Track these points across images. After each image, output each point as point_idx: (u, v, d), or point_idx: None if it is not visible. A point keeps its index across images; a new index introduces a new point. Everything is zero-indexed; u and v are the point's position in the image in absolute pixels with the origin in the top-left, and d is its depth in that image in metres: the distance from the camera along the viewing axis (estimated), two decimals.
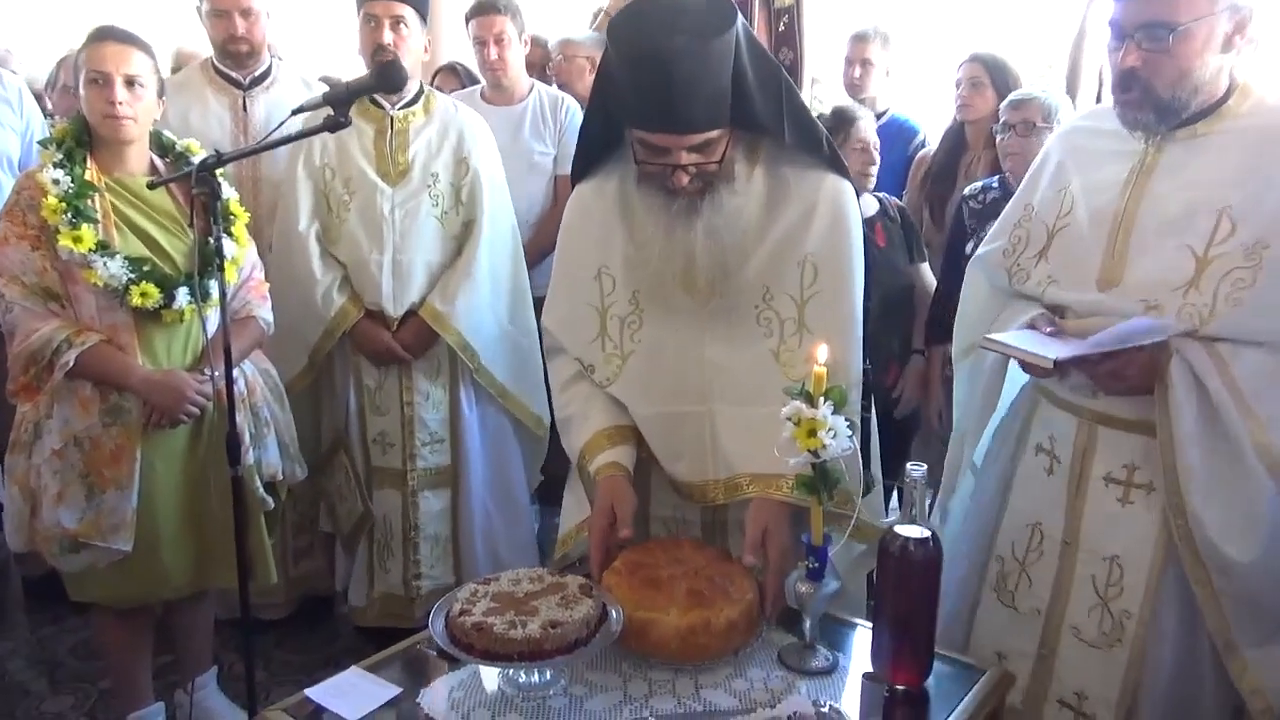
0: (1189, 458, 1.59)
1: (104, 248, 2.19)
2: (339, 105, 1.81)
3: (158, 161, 2.40)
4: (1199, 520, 1.59)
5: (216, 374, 2.25)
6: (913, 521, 1.42)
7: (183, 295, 2.26)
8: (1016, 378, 1.96)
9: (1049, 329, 1.73)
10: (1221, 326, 1.57)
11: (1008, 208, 1.99)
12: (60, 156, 2.23)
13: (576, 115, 3.37)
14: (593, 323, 1.84)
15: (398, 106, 2.78)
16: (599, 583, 1.58)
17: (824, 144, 1.76)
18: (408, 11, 2.69)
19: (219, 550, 2.39)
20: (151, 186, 2.23)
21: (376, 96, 2.75)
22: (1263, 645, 1.62)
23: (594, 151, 1.84)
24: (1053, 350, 1.62)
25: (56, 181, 2.19)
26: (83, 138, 2.28)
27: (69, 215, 2.17)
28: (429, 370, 2.88)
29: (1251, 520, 1.57)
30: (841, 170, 1.78)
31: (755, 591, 1.55)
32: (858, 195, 1.85)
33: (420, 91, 2.84)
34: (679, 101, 1.55)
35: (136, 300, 2.20)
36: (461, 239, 2.80)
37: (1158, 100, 1.63)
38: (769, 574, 1.58)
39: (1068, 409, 1.80)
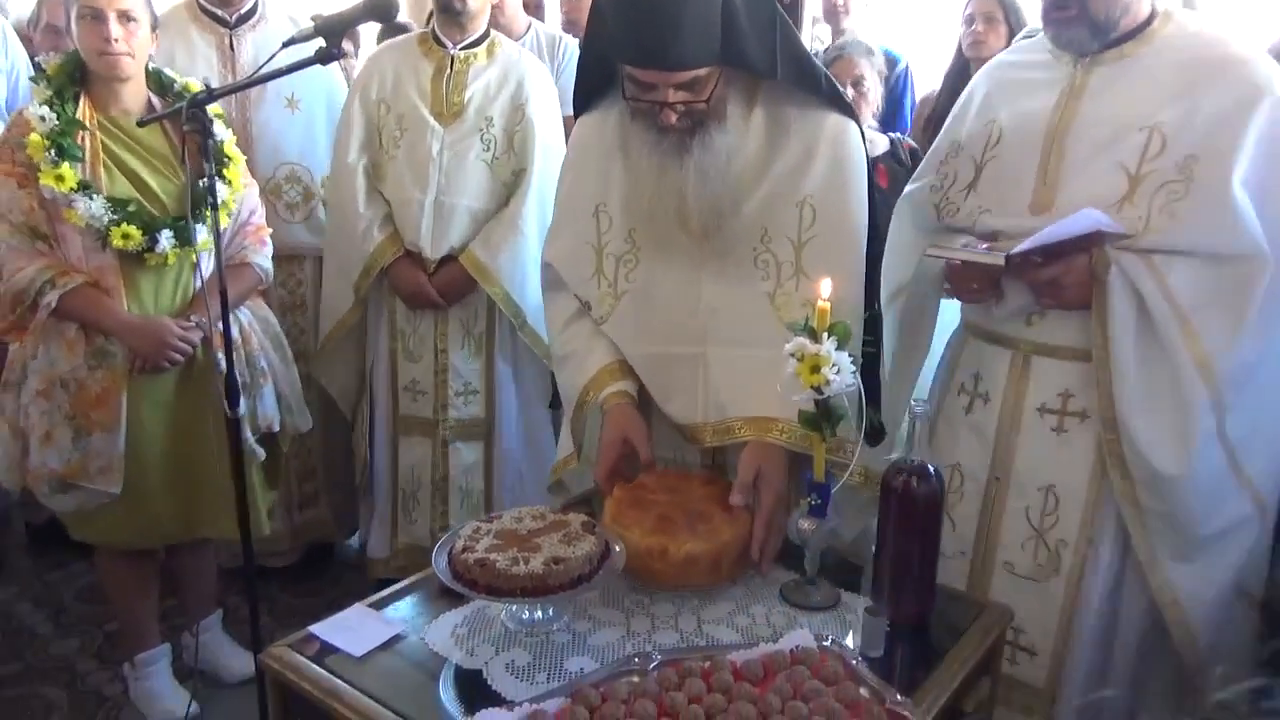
0: (1124, 366, 1.63)
1: (85, 188, 2.16)
2: (331, 36, 1.76)
3: (155, 100, 2.35)
4: (1130, 432, 1.64)
5: (207, 320, 2.23)
6: (914, 455, 1.41)
7: (166, 238, 2.23)
8: (942, 325, 1.99)
9: (982, 246, 1.75)
10: (1157, 238, 1.61)
11: (934, 144, 2.01)
12: (50, 93, 2.19)
13: (574, 55, 3.31)
14: (590, 260, 1.82)
15: (459, 46, 2.74)
16: (605, 513, 1.59)
17: (823, 82, 1.71)
18: None
19: (210, 497, 2.39)
20: (141, 124, 2.19)
21: (439, 35, 2.73)
22: (1183, 561, 1.68)
23: (593, 85, 1.81)
24: (1000, 253, 1.64)
25: (43, 118, 2.16)
26: (75, 75, 2.24)
27: (52, 153, 2.14)
28: (466, 319, 2.84)
29: (1182, 434, 1.61)
30: (845, 109, 1.74)
31: (736, 534, 1.54)
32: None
33: (486, 34, 2.79)
34: (665, 37, 1.52)
35: (118, 242, 2.17)
36: (511, 187, 2.75)
37: (1092, 18, 1.68)
38: (758, 518, 1.57)
39: (1000, 342, 1.83)
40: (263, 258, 2.49)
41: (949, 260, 1.78)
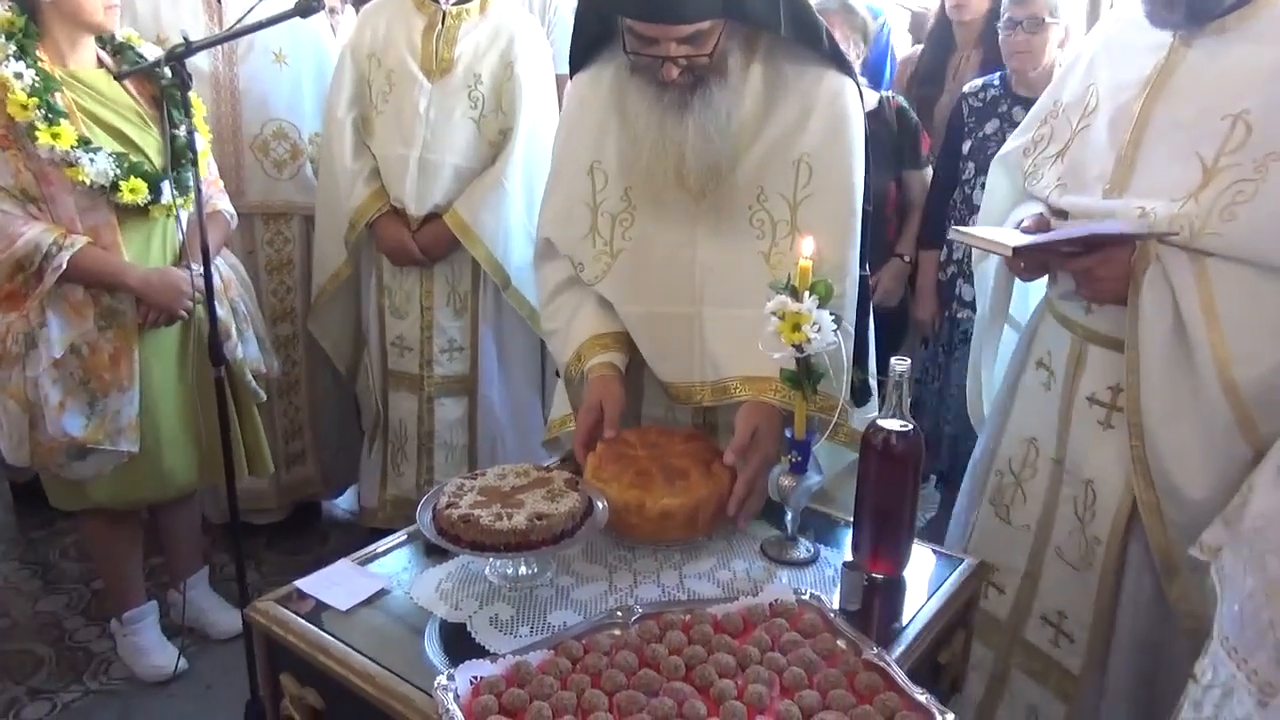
0: (1151, 373, 1.52)
1: (86, 144, 2.12)
2: None
3: (102, 54, 2.30)
4: (1155, 443, 1.53)
5: (196, 270, 2.22)
6: (895, 414, 1.43)
7: (167, 190, 2.21)
8: (1030, 289, 1.92)
9: (1027, 223, 1.70)
10: (1210, 241, 1.46)
11: (1038, 102, 1.89)
12: (14, 49, 2.13)
13: (565, 14, 3.27)
14: (584, 219, 1.81)
15: (451, 2, 2.70)
16: (583, 461, 1.60)
17: (824, 38, 1.70)
18: None
19: (218, 447, 2.40)
20: (119, 78, 2.15)
21: None
22: (1200, 574, 1.54)
23: (590, 41, 1.79)
24: (1014, 240, 1.59)
25: (19, 76, 2.10)
26: (30, 28, 2.17)
27: (43, 111, 2.09)
28: (451, 276, 2.84)
29: (1208, 454, 1.49)
30: (844, 67, 1.72)
31: (712, 491, 1.56)
32: None
33: None
34: None
35: (128, 196, 2.14)
36: (497, 146, 2.72)
37: (1189, 2, 1.50)
38: (742, 477, 1.58)
39: (1064, 324, 1.76)
40: (226, 203, 2.50)
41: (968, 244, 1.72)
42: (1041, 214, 1.73)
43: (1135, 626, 1.70)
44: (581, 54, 1.82)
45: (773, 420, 1.64)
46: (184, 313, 2.27)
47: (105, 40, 2.31)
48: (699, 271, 1.75)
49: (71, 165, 2.10)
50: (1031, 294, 1.98)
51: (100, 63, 2.28)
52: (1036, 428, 1.84)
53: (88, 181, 2.10)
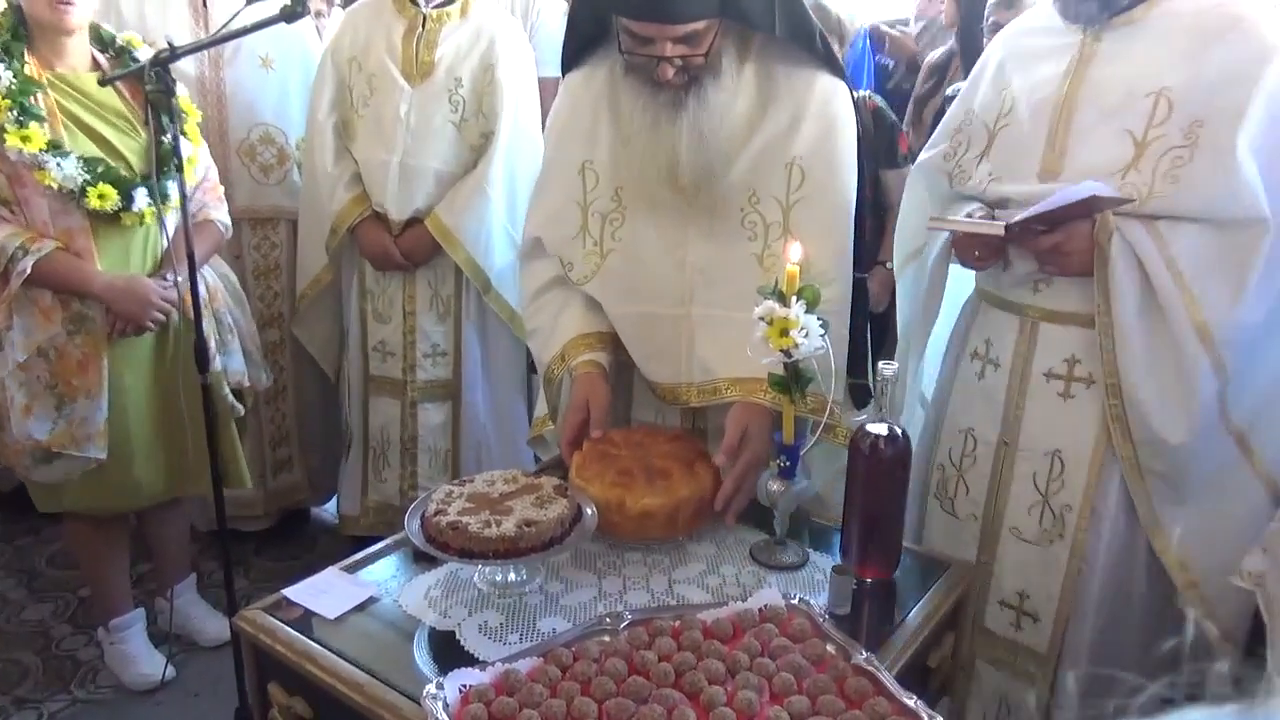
0: (1127, 334, 1.63)
1: (56, 147, 2.11)
2: None
3: (99, 57, 2.29)
4: (1135, 398, 1.64)
5: (180, 279, 2.21)
6: (883, 418, 1.43)
7: (141, 197, 2.19)
8: (956, 289, 1.98)
9: (980, 213, 1.75)
10: (1160, 204, 1.59)
11: (949, 112, 1.99)
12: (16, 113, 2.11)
13: (548, 16, 3.26)
14: (574, 219, 1.81)
15: (431, 4, 2.69)
16: (570, 468, 1.60)
17: (817, 40, 1.71)
18: None
19: (191, 458, 2.39)
20: (104, 83, 2.14)
21: None
22: (1181, 511, 1.69)
23: (583, 40, 1.79)
24: (1000, 222, 1.64)
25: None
26: (19, 31, 2.16)
27: (14, 113, 2.08)
28: (433, 281, 2.83)
29: (1186, 401, 1.61)
30: (835, 69, 1.73)
31: (693, 491, 1.56)
32: None
33: None
34: None
35: (95, 203, 2.13)
36: (478, 151, 2.71)
37: None
38: (731, 475, 1.59)
39: (1009, 309, 1.83)
40: (222, 214, 2.48)
41: (951, 230, 1.78)
42: (980, 207, 1.79)
43: (1098, 586, 1.77)
44: (574, 53, 1.82)
45: (763, 420, 1.64)
46: (151, 324, 2.24)
47: (106, 43, 2.30)
48: (690, 273, 1.75)
49: (40, 168, 2.09)
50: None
51: (96, 65, 2.26)
52: (974, 418, 1.89)
53: (55, 185, 2.09)
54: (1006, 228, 1.62)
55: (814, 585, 1.49)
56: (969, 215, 1.77)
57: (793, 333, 1.39)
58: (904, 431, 1.44)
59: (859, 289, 1.81)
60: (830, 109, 1.71)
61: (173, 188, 2.21)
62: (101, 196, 2.14)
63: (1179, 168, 1.58)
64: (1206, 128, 1.57)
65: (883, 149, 3.06)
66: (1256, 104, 1.54)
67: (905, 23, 3.78)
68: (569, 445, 1.68)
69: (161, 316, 2.26)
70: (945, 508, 1.95)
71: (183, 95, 2.36)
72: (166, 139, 2.11)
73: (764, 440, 1.63)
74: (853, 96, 2.99)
